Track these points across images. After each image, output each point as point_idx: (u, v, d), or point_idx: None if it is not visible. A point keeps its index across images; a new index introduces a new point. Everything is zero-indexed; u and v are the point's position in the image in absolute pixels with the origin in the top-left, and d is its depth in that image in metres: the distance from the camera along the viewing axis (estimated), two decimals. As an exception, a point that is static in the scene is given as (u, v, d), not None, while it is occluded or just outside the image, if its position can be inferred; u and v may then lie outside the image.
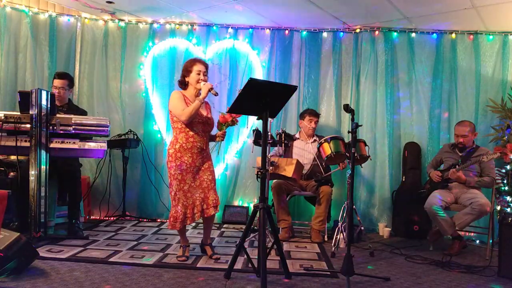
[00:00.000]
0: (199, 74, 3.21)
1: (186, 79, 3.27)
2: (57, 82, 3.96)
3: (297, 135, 4.52)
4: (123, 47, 5.03)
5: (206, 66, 3.30)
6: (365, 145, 3.85)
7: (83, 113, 4.10)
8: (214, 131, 3.40)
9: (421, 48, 4.78)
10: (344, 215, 3.80)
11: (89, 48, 5.01)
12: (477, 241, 4.38)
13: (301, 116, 4.55)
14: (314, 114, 4.47)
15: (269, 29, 4.98)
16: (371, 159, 4.11)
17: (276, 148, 4.34)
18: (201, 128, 3.21)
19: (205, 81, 3.22)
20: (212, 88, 3.12)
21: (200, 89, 3.20)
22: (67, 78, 4.04)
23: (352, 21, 4.75)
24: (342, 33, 4.94)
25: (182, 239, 3.32)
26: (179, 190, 3.15)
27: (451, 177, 3.86)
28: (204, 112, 3.25)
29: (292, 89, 2.89)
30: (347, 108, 3.04)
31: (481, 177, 3.88)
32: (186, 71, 3.26)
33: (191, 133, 3.17)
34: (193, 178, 3.20)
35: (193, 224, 4.52)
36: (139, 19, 5.02)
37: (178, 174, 3.15)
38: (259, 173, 2.86)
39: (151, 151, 4.98)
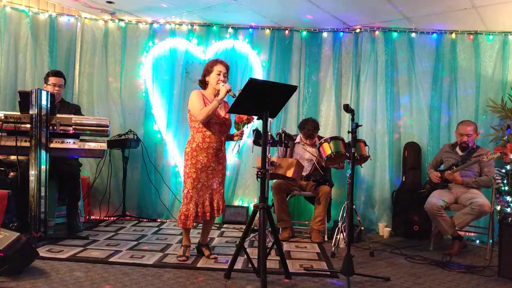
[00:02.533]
0: (219, 74, 3.22)
1: (206, 78, 3.29)
2: (55, 80, 3.92)
3: (297, 139, 4.47)
4: (123, 47, 5.03)
5: (227, 67, 3.31)
6: (365, 145, 3.85)
7: (76, 108, 4.10)
8: (231, 130, 3.41)
9: (421, 48, 4.78)
10: (344, 215, 3.80)
11: (89, 48, 5.01)
12: (477, 241, 4.38)
13: (299, 128, 4.40)
14: (307, 135, 4.30)
15: (269, 29, 4.98)
16: (371, 159, 4.11)
17: (278, 150, 4.34)
18: (218, 129, 3.22)
19: (225, 82, 3.24)
20: (230, 90, 3.13)
21: (219, 90, 3.21)
22: (63, 76, 4.03)
23: (352, 21, 4.75)
24: (342, 33, 4.94)
25: (185, 238, 3.33)
26: (192, 188, 3.17)
27: (447, 178, 3.87)
28: (222, 113, 3.26)
29: (292, 89, 2.90)
30: (347, 108, 3.04)
31: (479, 177, 3.88)
32: (207, 71, 3.28)
33: (208, 133, 3.19)
34: (207, 177, 3.22)
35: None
36: (139, 19, 5.02)
37: (193, 172, 3.17)
38: (259, 173, 2.87)
39: (151, 151, 4.98)
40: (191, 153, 3.18)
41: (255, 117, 3.40)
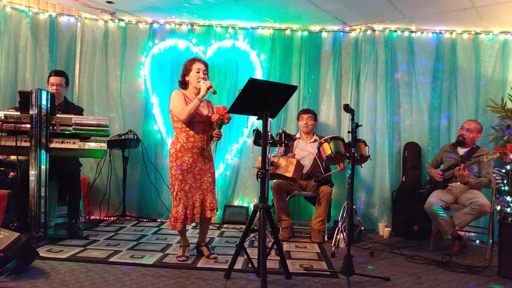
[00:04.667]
0: (198, 72, 3.20)
1: (186, 78, 3.26)
2: (55, 79, 3.95)
3: (297, 135, 4.53)
4: (123, 47, 5.02)
5: (206, 64, 3.29)
6: (365, 145, 3.85)
7: (79, 110, 4.10)
8: None
9: (421, 48, 4.78)
10: (344, 215, 3.80)
11: (89, 48, 5.01)
12: (477, 241, 4.38)
13: (297, 117, 4.63)
14: (304, 111, 4.54)
15: (269, 29, 4.98)
16: (371, 159, 4.11)
17: (277, 149, 4.34)
18: (201, 128, 3.20)
19: (205, 79, 3.21)
20: (211, 87, 3.10)
21: (200, 88, 3.18)
22: (64, 75, 4.04)
23: (352, 21, 4.75)
24: (342, 33, 4.94)
25: (182, 239, 3.32)
26: (180, 190, 3.14)
27: (456, 173, 3.82)
28: (204, 111, 3.23)
29: (292, 89, 2.90)
30: (347, 108, 3.04)
31: (479, 178, 3.87)
32: (186, 70, 3.26)
33: (191, 132, 3.16)
34: (194, 178, 3.19)
35: (193, 224, 4.51)
36: (139, 19, 5.02)
37: (179, 174, 3.14)
38: (259, 173, 2.86)
39: (151, 151, 4.98)
40: (175, 154, 3.15)
41: (232, 117, 3.31)
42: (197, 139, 3.18)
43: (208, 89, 3.10)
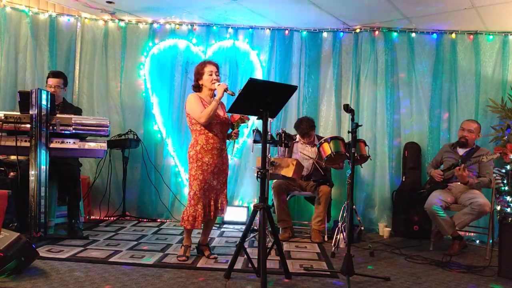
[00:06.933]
0: (211, 74, 3.22)
1: (200, 82, 3.28)
2: (52, 81, 3.95)
3: (297, 138, 4.48)
4: (123, 47, 5.03)
5: (217, 66, 3.32)
6: (365, 145, 3.85)
7: (77, 110, 4.10)
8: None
9: (421, 48, 4.78)
10: (344, 215, 3.80)
11: (89, 48, 5.01)
12: (477, 241, 4.38)
13: (295, 128, 4.41)
14: (303, 134, 4.31)
15: (269, 29, 4.98)
16: (371, 159, 4.11)
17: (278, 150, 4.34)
18: (219, 129, 3.23)
19: (218, 81, 3.24)
20: (227, 88, 3.13)
21: (215, 90, 3.20)
22: (62, 76, 4.04)
23: (352, 21, 4.75)
24: (342, 33, 4.94)
25: (187, 239, 3.32)
26: (199, 189, 3.17)
27: (456, 173, 3.82)
28: (221, 113, 3.27)
29: (292, 89, 2.90)
30: (347, 108, 3.04)
31: (480, 178, 3.87)
32: (198, 74, 3.28)
33: (210, 134, 3.19)
34: (212, 178, 3.24)
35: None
36: (139, 19, 5.02)
37: (200, 174, 3.17)
38: (259, 173, 2.87)
39: (151, 151, 4.98)
40: (195, 156, 3.18)
41: (250, 118, 3.41)
42: (216, 140, 3.21)
43: (225, 90, 3.12)
